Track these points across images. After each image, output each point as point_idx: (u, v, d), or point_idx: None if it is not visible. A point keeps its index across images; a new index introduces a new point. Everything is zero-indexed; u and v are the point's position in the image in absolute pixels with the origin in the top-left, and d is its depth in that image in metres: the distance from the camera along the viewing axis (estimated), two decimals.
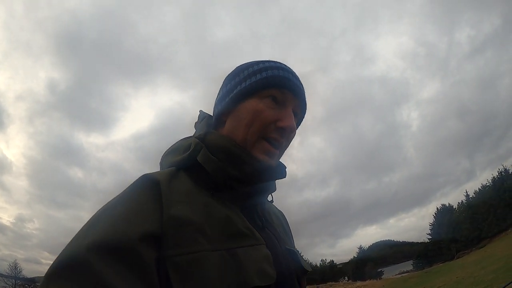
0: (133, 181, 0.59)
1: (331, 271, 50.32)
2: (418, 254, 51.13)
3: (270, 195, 0.75)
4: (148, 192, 0.56)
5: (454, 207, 49.56)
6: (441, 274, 25.69)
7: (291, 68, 0.74)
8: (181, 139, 0.74)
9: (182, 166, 0.66)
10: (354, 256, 52.29)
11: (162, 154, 0.76)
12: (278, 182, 0.74)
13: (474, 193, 47.95)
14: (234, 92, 0.69)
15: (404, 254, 59.17)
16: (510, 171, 45.20)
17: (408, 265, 52.88)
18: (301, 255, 0.74)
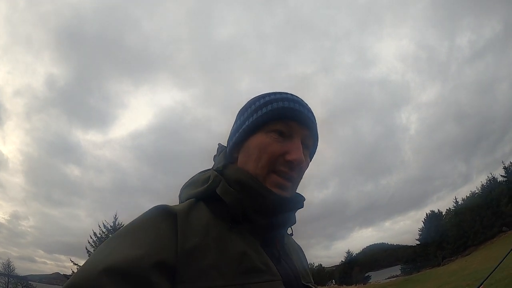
0: (148, 209, 0.59)
1: (318, 274, 50.89)
2: (406, 259, 51.66)
3: (290, 228, 0.75)
4: (164, 222, 0.56)
5: (443, 213, 50.09)
6: (420, 282, 26.21)
7: (301, 98, 0.73)
8: (199, 172, 0.76)
9: (201, 198, 0.67)
10: (342, 261, 52.72)
11: (181, 187, 0.77)
12: None
13: (462, 200, 48.50)
14: (243, 128, 0.70)
15: (397, 258, 59.74)
16: (498, 179, 45.63)
17: (398, 270, 53.43)
18: None
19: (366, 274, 50.48)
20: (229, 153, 0.74)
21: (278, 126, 0.67)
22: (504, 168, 44.98)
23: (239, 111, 0.76)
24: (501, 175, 45.43)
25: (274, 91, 0.73)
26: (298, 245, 0.88)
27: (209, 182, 0.67)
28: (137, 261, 0.48)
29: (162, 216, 0.58)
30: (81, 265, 0.52)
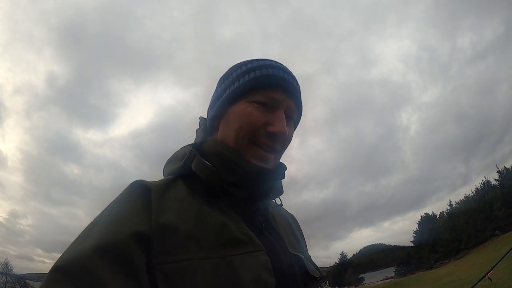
0: (127, 186, 0.60)
1: None
2: (401, 261, 51.89)
3: (278, 199, 0.74)
4: (138, 197, 0.57)
5: (438, 216, 50.21)
6: (410, 286, 26.47)
7: (285, 66, 0.70)
8: (181, 147, 0.73)
9: (179, 174, 0.66)
10: (336, 262, 52.99)
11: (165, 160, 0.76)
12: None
13: (456, 203, 48.59)
14: (224, 96, 0.68)
15: (394, 258, 59.93)
16: (492, 183, 45.71)
17: (392, 271, 53.64)
18: (311, 260, 0.73)
19: (360, 276, 50.66)
20: (210, 124, 0.72)
21: (261, 96, 0.64)
22: (498, 172, 45.07)
23: (220, 79, 0.73)
24: (495, 179, 45.58)
25: (259, 58, 0.70)
26: (291, 214, 0.87)
27: (185, 158, 0.66)
28: (116, 235, 0.50)
29: (136, 191, 0.58)
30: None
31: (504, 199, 40.72)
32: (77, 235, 0.54)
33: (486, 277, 4.47)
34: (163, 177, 0.73)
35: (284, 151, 0.70)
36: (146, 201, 0.57)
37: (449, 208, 48.90)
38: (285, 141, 0.67)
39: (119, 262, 0.48)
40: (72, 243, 0.52)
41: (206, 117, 0.76)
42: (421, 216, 51.38)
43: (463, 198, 48.50)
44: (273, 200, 0.74)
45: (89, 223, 0.56)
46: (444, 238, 43.71)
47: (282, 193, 0.72)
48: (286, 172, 0.71)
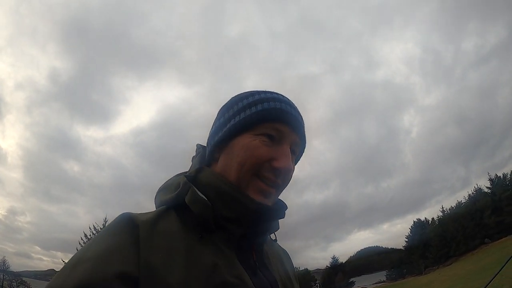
0: (114, 218, 0.57)
1: (303, 278, 51.69)
2: (392, 265, 52.21)
3: (273, 234, 0.72)
4: (126, 234, 0.54)
5: (430, 221, 50.46)
6: None
7: (289, 99, 0.69)
8: (175, 175, 0.71)
9: (172, 206, 0.63)
10: (327, 266, 53.39)
11: (157, 189, 0.72)
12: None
13: (448, 210, 48.80)
14: (227, 126, 0.65)
15: (391, 261, 60.29)
16: (483, 190, 45.85)
17: (383, 275, 53.98)
18: None
19: (350, 280, 51.07)
20: (210, 153, 0.69)
21: (268, 129, 0.62)
22: (490, 179, 45.20)
23: (222, 108, 0.71)
24: (486, 187, 45.70)
25: (264, 90, 0.69)
26: (283, 250, 0.84)
27: (179, 189, 0.63)
28: (101, 274, 0.48)
29: (124, 226, 0.55)
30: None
31: (494, 207, 40.95)
32: (61, 268, 0.52)
33: None
34: (154, 205, 0.71)
35: (285, 187, 0.68)
36: (134, 237, 0.53)
37: (441, 214, 49.18)
38: (287, 177, 0.66)
39: None
40: (56, 277, 0.51)
41: (203, 144, 0.75)
42: (414, 221, 51.67)
43: (455, 204, 48.75)
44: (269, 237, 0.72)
45: (74, 255, 0.54)
46: (433, 245, 44.02)
47: (278, 228, 0.70)
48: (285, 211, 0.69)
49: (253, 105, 0.64)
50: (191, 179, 0.64)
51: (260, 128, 0.62)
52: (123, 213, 0.58)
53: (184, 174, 0.68)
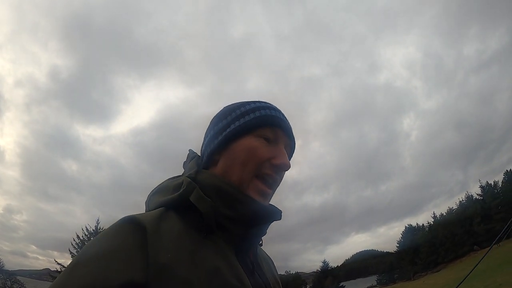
0: (116, 221, 0.55)
1: (294, 282, 51.95)
2: (382, 270, 52.50)
3: (260, 239, 0.75)
4: (132, 237, 0.52)
5: (422, 226, 50.69)
6: None
7: (279, 108, 0.75)
8: (169, 179, 0.72)
9: (172, 207, 0.63)
10: (317, 270, 53.62)
11: (148, 194, 0.73)
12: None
13: (439, 216, 49.01)
14: (227, 130, 0.69)
15: (386, 265, 60.58)
16: (474, 197, 46.04)
17: (374, 280, 54.23)
18: None
19: (340, 284, 51.31)
20: (209, 156, 0.71)
21: (266, 132, 0.68)
22: (481, 187, 45.40)
23: (215, 117, 0.76)
24: (477, 194, 45.90)
25: (257, 100, 0.75)
26: (269, 256, 0.88)
27: (182, 189, 0.63)
28: (104, 281, 0.46)
29: (129, 229, 0.53)
30: (66, 266, 0.55)
31: (484, 214, 41.15)
32: (59, 276, 0.49)
33: None
34: (146, 207, 0.72)
35: (278, 186, 0.72)
36: (141, 240, 0.52)
37: (433, 220, 49.40)
38: (282, 175, 0.71)
39: None
40: (57, 279, 0.49)
41: (196, 151, 0.78)
42: (405, 227, 51.97)
43: (447, 210, 48.97)
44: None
45: (72, 260, 0.52)
46: (423, 251, 44.30)
47: (266, 233, 0.72)
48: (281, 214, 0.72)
49: (251, 112, 0.70)
50: (193, 179, 0.65)
51: (259, 131, 0.68)
52: (126, 216, 0.56)
53: (178, 177, 0.71)
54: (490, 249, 5.52)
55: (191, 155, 0.77)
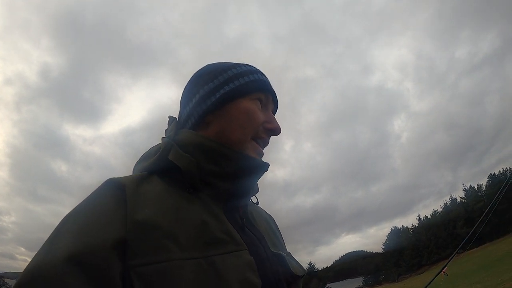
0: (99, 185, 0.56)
1: None
2: (369, 272, 53.24)
3: (255, 197, 0.73)
4: (112, 197, 0.53)
5: (408, 228, 51.45)
6: None
7: None
8: (152, 146, 0.70)
9: (154, 170, 0.62)
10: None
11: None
12: (268, 186, 0.86)
13: (424, 219, 49.80)
14: (221, 92, 0.66)
15: (375, 265, 61.33)
16: (458, 201, 46.93)
17: (360, 281, 54.85)
18: (292, 258, 0.70)
19: (326, 286, 51.91)
20: (199, 118, 0.67)
21: (260, 96, 0.68)
22: (464, 190, 46.31)
23: (201, 76, 0.71)
24: (460, 197, 46.80)
25: (240, 62, 0.73)
26: (268, 214, 0.84)
27: (160, 150, 0.63)
28: (86, 244, 0.46)
29: (110, 189, 0.54)
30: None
31: (467, 217, 41.99)
32: (46, 238, 0.50)
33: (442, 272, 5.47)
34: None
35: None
36: (120, 199, 0.52)
37: (418, 222, 50.21)
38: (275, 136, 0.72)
39: (92, 272, 0.45)
40: (41, 249, 0.48)
41: (174, 116, 0.74)
42: (391, 229, 52.75)
43: (432, 213, 49.77)
44: (250, 200, 0.73)
45: (58, 223, 0.51)
46: (407, 253, 45.09)
47: (258, 191, 0.72)
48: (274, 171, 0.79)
49: (245, 75, 0.69)
50: (172, 140, 0.64)
51: (255, 95, 0.68)
52: (109, 178, 0.57)
53: (163, 138, 0.68)
54: (451, 257, 5.94)
55: (171, 120, 0.74)
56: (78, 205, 0.54)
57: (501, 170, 44.82)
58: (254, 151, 0.66)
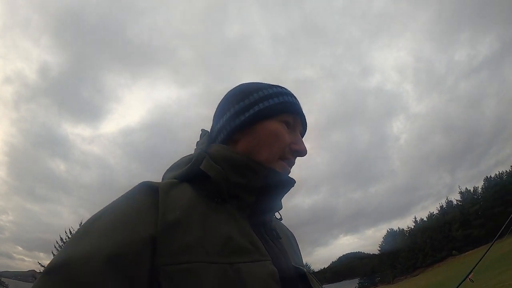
0: (132, 187, 0.58)
1: None
2: (364, 274, 53.37)
3: (278, 213, 0.76)
4: (145, 198, 0.55)
5: (403, 231, 51.56)
6: None
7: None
8: (184, 156, 0.73)
9: (185, 178, 0.64)
10: None
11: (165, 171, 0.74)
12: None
13: (420, 221, 49.91)
14: (250, 112, 0.69)
15: (372, 267, 61.37)
16: (454, 203, 47.06)
17: (356, 283, 54.90)
18: (312, 275, 0.72)
19: None
20: (228, 134, 0.70)
21: (288, 117, 0.70)
22: (460, 192, 46.40)
23: (233, 95, 0.74)
24: (456, 200, 46.91)
25: (273, 84, 0.76)
26: (291, 232, 0.87)
27: (193, 160, 0.65)
28: (115, 242, 0.47)
29: (144, 191, 0.56)
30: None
31: (463, 220, 42.12)
32: (75, 233, 0.51)
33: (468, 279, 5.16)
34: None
35: None
36: (153, 200, 0.54)
37: (414, 224, 50.32)
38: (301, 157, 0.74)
39: (122, 268, 0.46)
40: (69, 242, 0.50)
41: (208, 128, 0.78)
42: (387, 231, 52.86)
43: (428, 215, 49.88)
44: (274, 215, 0.76)
45: (88, 219, 0.53)
46: (403, 255, 45.20)
47: (282, 207, 0.73)
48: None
49: (275, 96, 0.71)
50: (205, 152, 0.67)
51: (282, 116, 0.69)
52: (143, 181, 0.59)
53: (191, 154, 0.71)
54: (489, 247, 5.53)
55: (203, 133, 0.77)
56: (109, 205, 0.56)
57: (497, 173, 44.97)
58: (282, 168, 0.68)
